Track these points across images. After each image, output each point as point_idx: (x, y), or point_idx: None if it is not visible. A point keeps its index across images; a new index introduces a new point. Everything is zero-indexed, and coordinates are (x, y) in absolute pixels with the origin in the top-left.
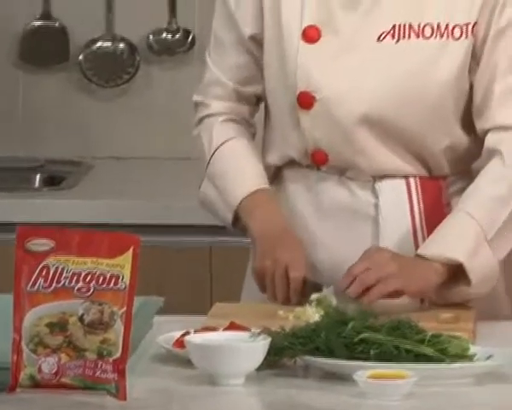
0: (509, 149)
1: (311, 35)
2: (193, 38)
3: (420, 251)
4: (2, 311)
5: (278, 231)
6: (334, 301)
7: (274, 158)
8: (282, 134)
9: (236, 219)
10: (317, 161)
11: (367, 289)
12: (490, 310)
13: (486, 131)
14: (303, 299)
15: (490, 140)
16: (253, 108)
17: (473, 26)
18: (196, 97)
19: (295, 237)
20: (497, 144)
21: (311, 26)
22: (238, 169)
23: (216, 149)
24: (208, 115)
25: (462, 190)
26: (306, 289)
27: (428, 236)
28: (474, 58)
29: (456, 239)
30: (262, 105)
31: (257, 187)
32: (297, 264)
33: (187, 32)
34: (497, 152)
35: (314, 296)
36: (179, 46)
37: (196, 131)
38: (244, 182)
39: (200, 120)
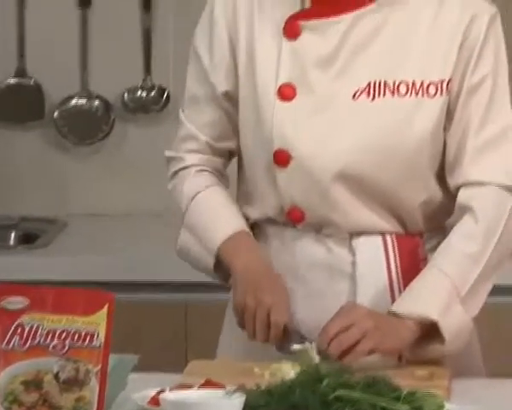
0: (481, 206)
1: (286, 93)
2: (168, 96)
3: (393, 308)
4: None
5: (262, 271)
6: (316, 358)
7: (249, 214)
8: (258, 191)
9: (218, 264)
10: (293, 218)
11: (347, 348)
12: (464, 367)
13: (459, 188)
14: (282, 345)
15: (462, 196)
16: (227, 161)
17: (447, 83)
18: (169, 153)
19: (280, 281)
20: (468, 201)
21: (286, 84)
22: (216, 214)
23: (192, 199)
24: (182, 168)
25: (438, 245)
26: (286, 335)
27: None
28: (448, 115)
29: (430, 297)
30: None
31: (237, 229)
32: (279, 308)
33: (162, 90)
34: (468, 208)
35: (296, 347)
36: (154, 104)
37: (171, 185)
38: (224, 225)
39: (175, 174)
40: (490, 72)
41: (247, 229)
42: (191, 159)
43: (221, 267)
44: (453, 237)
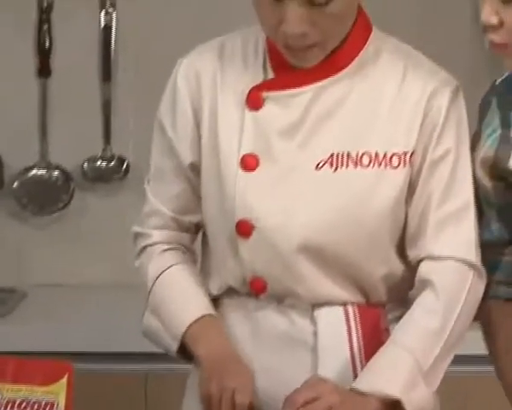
0: (442, 281)
1: (249, 163)
2: (127, 166)
3: (356, 385)
4: None
5: (225, 357)
6: None
7: (212, 286)
8: (221, 262)
9: (182, 346)
10: (255, 289)
11: None
12: None
13: (419, 261)
14: None
15: (423, 270)
16: (193, 236)
17: (411, 155)
18: (136, 228)
19: (243, 363)
20: (429, 275)
21: (249, 155)
22: (181, 296)
23: (157, 278)
24: (149, 245)
25: (400, 316)
26: None
27: (367, 363)
28: (410, 187)
29: (392, 373)
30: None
31: (202, 313)
32: (244, 389)
33: (121, 160)
34: (429, 283)
35: None
36: (114, 173)
37: (138, 262)
38: (188, 309)
39: (141, 251)
40: (452, 146)
41: (211, 311)
42: (157, 235)
43: (185, 349)
44: (414, 311)
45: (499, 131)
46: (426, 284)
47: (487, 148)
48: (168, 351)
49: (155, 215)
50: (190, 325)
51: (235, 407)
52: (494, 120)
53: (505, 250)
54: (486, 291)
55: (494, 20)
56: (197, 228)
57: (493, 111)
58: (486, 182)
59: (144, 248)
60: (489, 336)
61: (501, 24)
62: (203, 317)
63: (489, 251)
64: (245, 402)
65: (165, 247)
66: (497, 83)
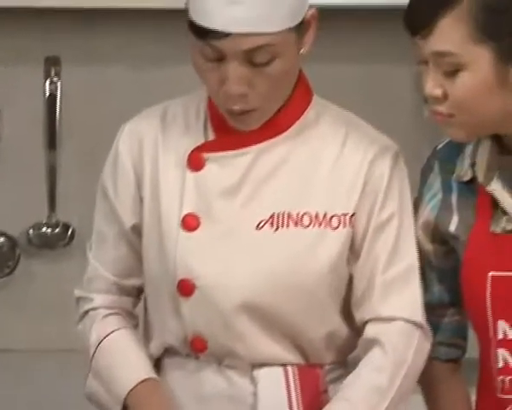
0: (390, 341)
1: (190, 223)
2: (72, 232)
3: None
4: None
5: None
6: None
7: (154, 347)
8: (162, 322)
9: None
10: (196, 348)
11: None
12: None
13: (366, 322)
14: None
15: (370, 331)
16: (135, 299)
17: (351, 217)
18: (78, 292)
19: None
20: (377, 335)
21: (190, 215)
22: (123, 361)
23: (99, 344)
24: (91, 309)
25: (340, 377)
26: None
27: None
28: (354, 250)
29: None
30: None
31: (144, 377)
32: None
33: (66, 226)
34: (377, 342)
35: None
36: (59, 240)
37: (80, 326)
38: (131, 373)
39: (83, 315)
40: (396, 211)
41: (153, 375)
42: (99, 299)
43: None
44: (362, 369)
45: (440, 196)
46: (373, 343)
47: (428, 211)
48: None
49: (97, 280)
50: (133, 389)
51: None
52: (435, 184)
53: (446, 312)
54: (434, 348)
55: (438, 92)
56: (139, 292)
57: (435, 176)
58: (428, 245)
59: (86, 312)
60: (430, 396)
61: (445, 96)
62: (145, 380)
63: (430, 313)
64: None
65: (107, 312)
66: (438, 148)
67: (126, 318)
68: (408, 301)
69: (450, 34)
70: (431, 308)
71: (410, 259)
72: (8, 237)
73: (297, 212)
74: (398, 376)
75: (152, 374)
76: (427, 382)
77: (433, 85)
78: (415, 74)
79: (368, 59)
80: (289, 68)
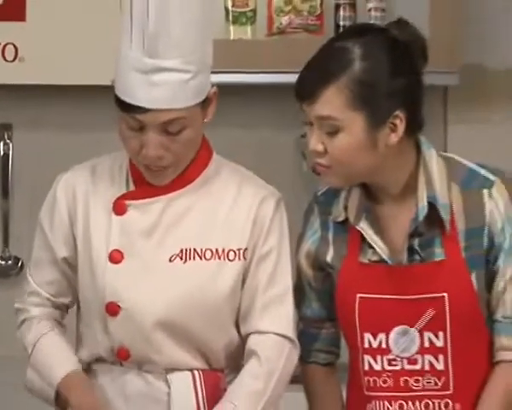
0: (264, 351)
1: (115, 257)
2: (22, 264)
3: None
4: None
5: (92, 405)
6: None
7: (84, 354)
8: (93, 336)
9: (57, 396)
10: (120, 357)
11: None
12: None
13: (248, 335)
14: None
15: (250, 342)
16: (64, 313)
17: (244, 251)
18: (17, 305)
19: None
20: (255, 346)
21: (115, 250)
22: (56, 354)
23: (35, 343)
24: (28, 318)
25: (235, 379)
26: None
27: None
28: (243, 276)
29: None
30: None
31: (72, 368)
32: None
33: (17, 259)
34: (254, 352)
35: None
36: (11, 270)
37: (19, 333)
38: (62, 365)
39: (22, 323)
40: (275, 245)
41: (79, 368)
42: (35, 311)
43: (60, 398)
44: (242, 376)
45: (319, 233)
46: (252, 353)
47: (310, 245)
48: (47, 400)
49: (34, 295)
50: (63, 379)
51: None
52: (315, 223)
53: (324, 325)
54: (308, 357)
55: (320, 147)
56: (67, 307)
57: (315, 217)
58: (309, 271)
59: (24, 320)
60: (311, 395)
61: (325, 151)
62: (74, 371)
63: (310, 325)
64: None
65: (41, 319)
66: (318, 194)
67: (56, 326)
68: (281, 319)
69: (331, 102)
70: (312, 321)
71: (285, 285)
72: None
73: (201, 247)
74: (271, 381)
75: (78, 367)
76: (308, 383)
77: (315, 142)
78: (295, 138)
79: (257, 125)
80: (196, 135)
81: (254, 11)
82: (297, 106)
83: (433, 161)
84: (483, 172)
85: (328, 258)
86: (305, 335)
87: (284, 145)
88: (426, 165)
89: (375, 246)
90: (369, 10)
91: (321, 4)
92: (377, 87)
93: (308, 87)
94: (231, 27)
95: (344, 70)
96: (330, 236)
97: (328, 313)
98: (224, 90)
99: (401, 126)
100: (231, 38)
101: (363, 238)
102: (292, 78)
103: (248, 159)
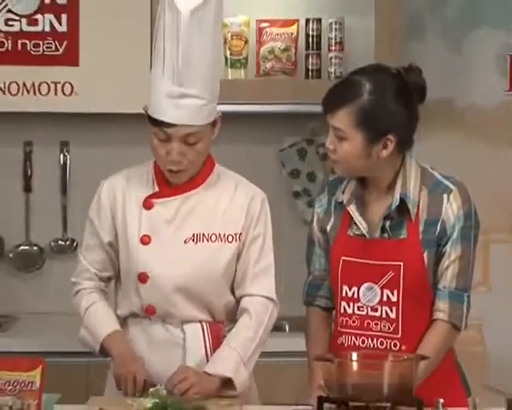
0: (254, 309)
1: (145, 240)
2: (76, 244)
3: (206, 370)
4: None
5: (128, 354)
6: (164, 392)
7: (121, 312)
8: (128, 297)
9: (102, 348)
10: (148, 312)
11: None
12: (247, 398)
13: (241, 297)
14: (143, 393)
15: (243, 302)
16: (107, 283)
17: (239, 235)
18: (73, 279)
19: (139, 358)
20: (246, 305)
21: (145, 235)
22: (102, 319)
23: (87, 309)
24: (81, 290)
25: (231, 329)
26: (146, 386)
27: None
28: (238, 254)
29: (226, 363)
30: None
31: (114, 329)
32: (140, 372)
33: (72, 240)
34: (246, 309)
35: (151, 390)
36: (68, 249)
37: (74, 300)
38: (106, 326)
39: (76, 293)
40: (262, 231)
41: (119, 328)
42: (86, 284)
43: (103, 350)
44: (238, 327)
45: (325, 206)
46: (244, 310)
47: (319, 213)
48: (94, 351)
49: (85, 272)
50: (106, 336)
51: (136, 383)
52: (324, 199)
53: (327, 277)
54: (313, 301)
55: (331, 146)
56: (109, 279)
57: (324, 194)
58: (318, 233)
59: (78, 291)
60: (309, 333)
61: (335, 150)
62: (114, 331)
63: (317, 277)
64: (141, 380)
65: (91, 290)
66: (330, 179)
67: (102, 294)
68: (266, 285)
69: (342, 119)
70: (318, 274)
71: (268, 260)
72: (39, 247)
73: (208, 233)
74: (259, 331)
75: (118, 327)
76: (310, 322)
77: (330, 142)
78: (276, 151)
79: (248, 141)
80: (206, 147)
81: (246, 58)
82: (277, 128)
83: (413, 169)
84: (446, 182)
85: (328, 227)
86: (312, 285)
87: (267, 157)
88: (405, 171)
89: (358, 224)
90: (330, 59)
91: (295, 54)
92: (377, 116)
93: (330, 105)
94: (229, 70)
95: (355, 99)
96: (332, 209)
97: (329, 268)
98: (223, 116)
99: (391, 146)
100: (229, 78)
101: (351, 218)
102: (274, 108)
103: (241, 167)
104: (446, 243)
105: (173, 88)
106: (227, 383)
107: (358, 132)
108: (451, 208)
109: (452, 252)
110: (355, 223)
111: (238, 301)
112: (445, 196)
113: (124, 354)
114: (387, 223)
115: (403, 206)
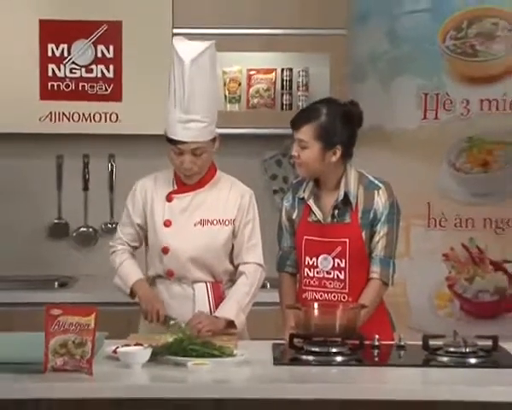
0: (249, 272)
1: (167, 224)
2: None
3: (215, 313)
4: (40, 338)
5: (151, 296)
6: (183, 325)
7: (151, 273)
8: (154, 264)
9: (131, 292)
10: (169, 275)
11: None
12: (240, 336)
13: (238, 264)
14: (165, 323)
15: (240, 268)
16: (135, 250)
17: (233, 220)
18: (111, 243)
19: (160, 298)
20: (243, 269)
21: (167, 220)
22: (131, 271)
23: (120, 264)
24: (116, 251)
25: (230, 288)
26: (166, 319)
27: (217, 308)
28: (234, 234)
29: (229, 309)
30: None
31: (138, 277)
32: (162, 307)
33: (116, 224)
34: (243, 272)
35: (172, 322)
36: (113, 231)
37: (111, 258)
38: (135, 275)
39: (112, 253)
40: (251, 218)
41: (143, 277)
42: (119, 247)
43: (133, 293)
44: (238, 284)
45: (291, 202)
46: (241, 273)
47: (286, 206)
48: (125, 294)
49: (120, 240)
50: (134, 283)
51: (159, 317)
52: (290, 196)
53: (292, 251)
54: (283, 268)
55: (296, 154)
56: (136, 248)
57: (289, 193)
58: (286, 222)
59: (114, 251)
60: (282, 294)
61: (299, 157)
62: (140, 279)
63: (285, 252)
64: (163, 313)
65: (123, 251)
66: (294, 181)
67: (131, 255)
68: (257, 255)
69: (305, 133)
70: (286, 249)
71: (257, 240)
72: (94, 229)
73: (211, 219)
74: (252, 288)
75: (142, 277)
76: (281, 284)
77: (294, 151)
78: (261, 161)
79: (240, 154)
80: (210, 157)
81: (240, 96)
82: (261, 145)
83: (352, 173)
84: (376, 182)
85: (294, 216)
86: (282, 257)
87: (254, 165)
88: (347, 174)
89: (315, 213)
90: (299, 96)
91: (274, 93)
92: (330, 133)
93: (296, 123)
94: (227, 104)
95: (315, 119)
96: (296, 204)
97: (294, 245)
98: (222, 137)
99: (339, 154)
100: (227, 110)
101: (310, 208)
102: (259, 131)
103: (235, 173)
104: (377, 225)
105: (182, 115)
106: (230, 324)
107: (316, 143)
108: (380, 201)
109: (381, 231)
110: (313, 212)
111: (236, 267)
112: (375, 192)
113: (148, 295)
114: (336, 212)
115: (346, 199)
